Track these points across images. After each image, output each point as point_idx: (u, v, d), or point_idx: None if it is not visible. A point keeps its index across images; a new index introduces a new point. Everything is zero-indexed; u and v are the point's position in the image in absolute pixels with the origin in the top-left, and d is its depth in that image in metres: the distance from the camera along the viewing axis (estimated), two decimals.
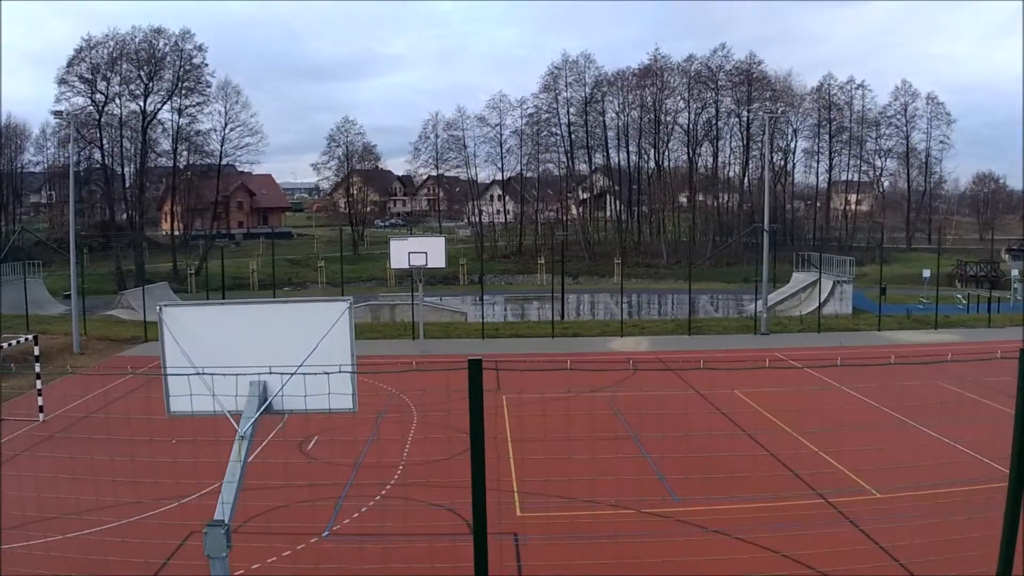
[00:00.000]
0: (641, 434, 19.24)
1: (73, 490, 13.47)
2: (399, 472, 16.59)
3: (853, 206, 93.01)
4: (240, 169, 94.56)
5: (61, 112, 29.95)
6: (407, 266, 28.84)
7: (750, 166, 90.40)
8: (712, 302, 55.20)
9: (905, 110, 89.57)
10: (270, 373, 7.17)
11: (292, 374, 7.09)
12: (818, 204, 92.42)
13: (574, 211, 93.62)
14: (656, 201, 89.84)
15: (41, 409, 20.69)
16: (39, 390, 20.75)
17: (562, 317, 37.02)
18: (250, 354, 7.18)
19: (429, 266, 29.03)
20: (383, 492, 15.38)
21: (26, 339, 20.94)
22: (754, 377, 25.80)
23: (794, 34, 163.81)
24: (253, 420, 7.24)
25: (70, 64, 65.33)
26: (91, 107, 67.01)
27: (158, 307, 7.45)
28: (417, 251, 28.37)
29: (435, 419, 20.37)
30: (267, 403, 7.35)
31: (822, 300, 44.80)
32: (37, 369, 20.75)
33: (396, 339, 32.67)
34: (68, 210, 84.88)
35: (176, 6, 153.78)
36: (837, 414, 21.59)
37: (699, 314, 46.65)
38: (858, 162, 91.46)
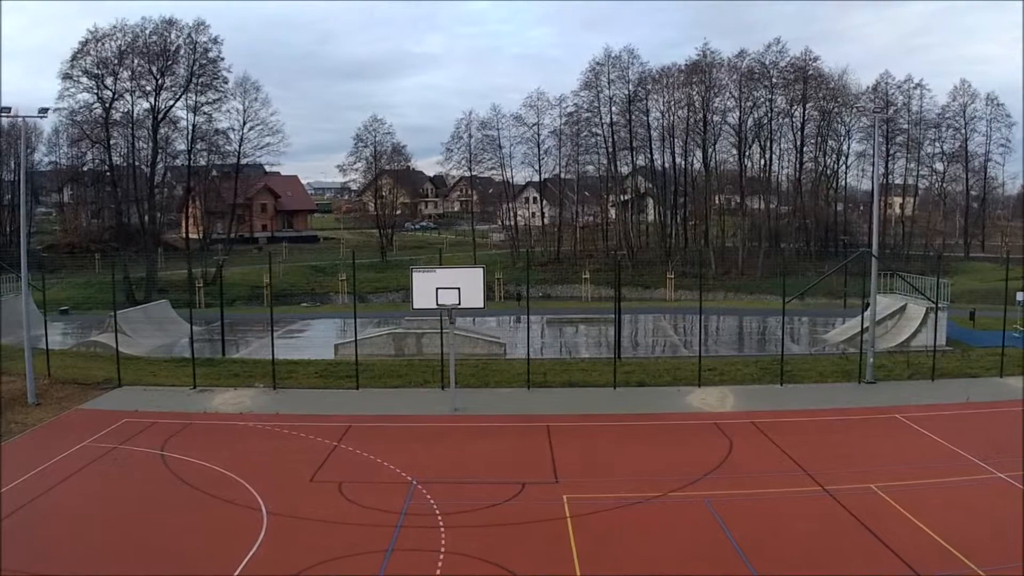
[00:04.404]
0: None
1: None
2: None
3: (911, 211, 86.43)
4: (268, 170, 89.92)
5: (9, 108, 24.50)
6: (435, 306, 22.99)
7: (803, 169, 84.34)
8: (778, 324, 48.71)
9: (964, 111, 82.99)
10: None
11: None
12: (862, 208, 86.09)
13: (613, 214, 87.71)
14: (702, 207, 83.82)
15: None
16: None
17: (619, 355, 31.09)
18: None
19: (464, 306, 23.10)
20: None
21: None
22: (885, 462, 19.76)
23: (834, 33, 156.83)
24: None
25: (74, 58, 60.59)
26: (97, 104, 62.29)
27: None
28: (447, 287, 22.49)
29: (471, 541, 14.63)
30: None
31: (915, 331, 38.77)
32: None
33: (423, 387, 26.97)
34: (81, 212, 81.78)
35: (210, 8, 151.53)
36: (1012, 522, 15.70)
37: (768, 339, 40.64)
38: (915, 165, 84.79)
